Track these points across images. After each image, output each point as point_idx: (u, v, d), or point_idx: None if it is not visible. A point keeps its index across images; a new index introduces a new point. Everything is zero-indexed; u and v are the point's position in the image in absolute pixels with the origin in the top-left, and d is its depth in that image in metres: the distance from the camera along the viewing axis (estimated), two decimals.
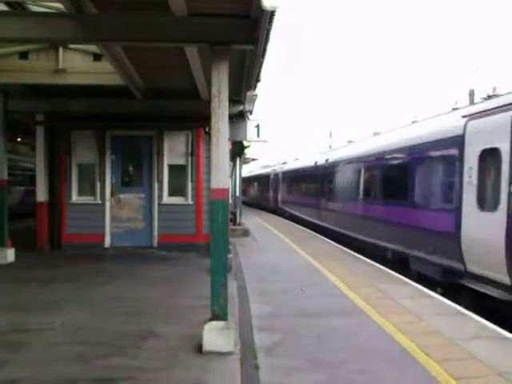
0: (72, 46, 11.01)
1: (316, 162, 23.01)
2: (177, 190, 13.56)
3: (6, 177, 11.73)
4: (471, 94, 13.00)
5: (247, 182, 51.33)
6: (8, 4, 8.32)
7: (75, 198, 13.53)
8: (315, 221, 22.35)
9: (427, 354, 5.71)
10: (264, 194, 41.45)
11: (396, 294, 8.78)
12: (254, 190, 49.65)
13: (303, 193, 25.88)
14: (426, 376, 5.16)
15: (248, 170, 55.02)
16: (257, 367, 5.34)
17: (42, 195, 13.61)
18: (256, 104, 13.56)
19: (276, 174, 36.17)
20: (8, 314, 7.22)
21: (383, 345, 6.13)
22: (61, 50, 11.16)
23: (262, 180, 44.30)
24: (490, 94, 9.92)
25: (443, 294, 9.10)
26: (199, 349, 5.72)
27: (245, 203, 47.54)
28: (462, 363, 5.49)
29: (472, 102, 11.61)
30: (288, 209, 30.30)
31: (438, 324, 6.94)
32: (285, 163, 37.17)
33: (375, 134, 17.25)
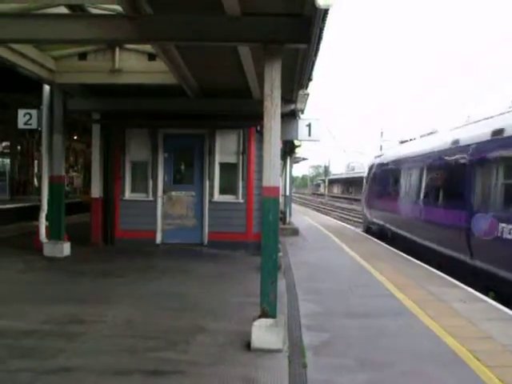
0: (128, 46, 11.29)
1: None
2: (227, 188, 13.67)
3: (63, 173, 12.11)
4: None
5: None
6: (69, 7, 8.58)
7: (128, 194, 13.83)
8: None
9: (478, 359, 5.57)
10: None
11: (447, 297, 8.60)
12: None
13: None
14: (477, 381, 5.03)
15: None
16: (305, 366, 5.35)
17: (96, 191, 13.97)
18: (307, 103, 13.55)
19: None
20: (64, 306, 7.47)
21: (433, 348, 6.02)
22: (117, 50, 11.46)
23: None
24: None
25: (496, 299, 8.86)
26: (248, 345, 5.76)
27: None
28: None
29: None
30: None
31: (490, 329, 6.76)
32: None
33: None
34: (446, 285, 9.83)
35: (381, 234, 19.42)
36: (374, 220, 21.36)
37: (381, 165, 21.79)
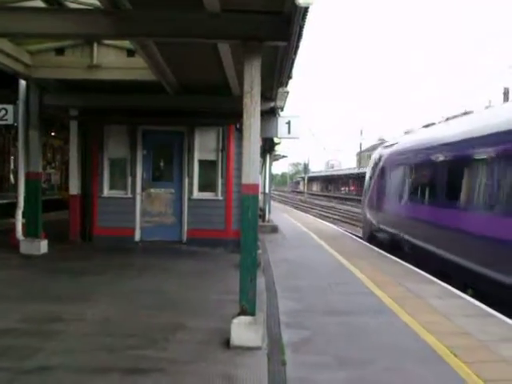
0: (106, 42, 11.16)
1: None
2: (207, 185, 13.66)
3: (40, 170, 11.96)
4: (506, 92, 12.64)
5: None
6: (45, 1, 8.46)
7: (106, 191, 13.72)
8: None
9: (456, 355, 5.64)
10: None
11: (424, 294, 8.69)
12: None
13: None
14: (455, 377, 5.09)
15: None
16: (284, 363, 5.35)
17: (74, 188, 13.85)
18: (287, 101, 13.56)
19: None
20: (42, 304, 7.39)
21: (412, 344, 6.07)
22: (95, 46, 11.32)
23: None
24: None
25: (473, 296, 8.98)
26: (227, 343, 5.76)
27: None
28: (491, 366, 5.42)
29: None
30: None
31: (467, 325, 6.85)
32: None
33: None
34: (423, 281, 9.93)
35: (393, 245, 14.89)
36: (382, 227, 16.49)
37: (395, 156, 16.26)
